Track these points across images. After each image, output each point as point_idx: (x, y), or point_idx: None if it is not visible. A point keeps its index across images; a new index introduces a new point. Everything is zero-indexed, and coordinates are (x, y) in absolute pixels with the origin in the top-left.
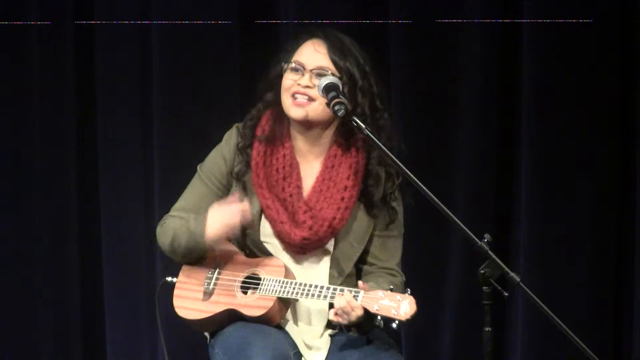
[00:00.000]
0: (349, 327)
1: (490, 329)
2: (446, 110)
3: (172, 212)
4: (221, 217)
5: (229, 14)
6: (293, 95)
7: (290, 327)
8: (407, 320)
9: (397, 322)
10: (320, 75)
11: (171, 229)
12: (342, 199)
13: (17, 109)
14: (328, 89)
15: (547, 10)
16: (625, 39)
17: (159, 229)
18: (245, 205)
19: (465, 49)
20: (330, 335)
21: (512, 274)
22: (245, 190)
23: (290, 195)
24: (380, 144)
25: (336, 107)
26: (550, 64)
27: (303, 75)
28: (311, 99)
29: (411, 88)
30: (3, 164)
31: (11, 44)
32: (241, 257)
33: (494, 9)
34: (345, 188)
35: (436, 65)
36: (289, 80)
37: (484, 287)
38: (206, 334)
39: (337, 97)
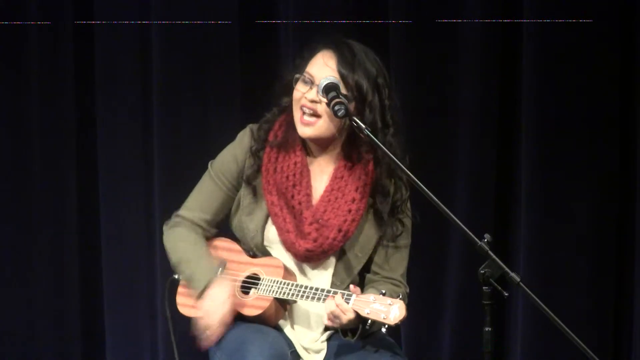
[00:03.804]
0: (345, 331)
1: (490, 329)
2: (446, 110)
3: (182, 211)
4: (215, 306)
5: (229, 14)
6: (301, 109)
7: (289, 330)
8: (396, 324)
9: (386, 326)
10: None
11: (175, 241)
12: (350, 211)
13: (17, 109)
14: (328, 89)
15: (547, 10)
16: (625, 39)
17: (166, 230)
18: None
19: (465, 49)
20: (327, 339)
21: (512, 274)
22: (254, 195)
23: (300, 203)
24: (379, 143)
25: (336, 107)
26: (550, 64)
27: (311, 88)
28: (317, 115)
29: (411, 88)
30: (3, 163)
31: (11, 44)
32: (243, 256)
33: (494, 9)
34: (353, 200)
35: (436, 65)
36: (298, 92)
37: (484, 287)
38: None
39: (337, 97)
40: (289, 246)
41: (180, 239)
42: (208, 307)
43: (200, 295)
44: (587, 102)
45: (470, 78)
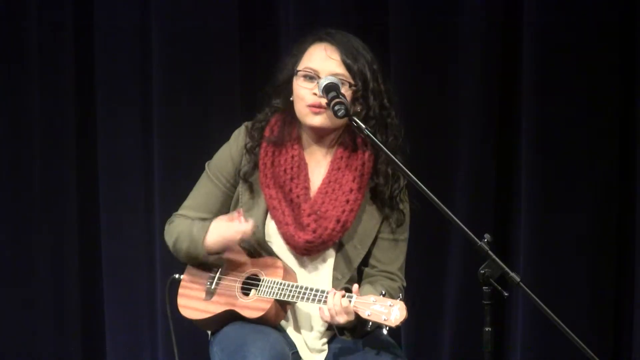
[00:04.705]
0: (342, 331)
1: (490, 329)
2: (446, 110)
3: (181, 211)
4: (222, 231)
5: (229, 14)
6: (309, 106)
7: (291, 331)
8: (397, 326)
9: (387, 328)
10: None
11: (176, 230)
12: (347, 201)
13: (17, 109)
14: (328, 89)
15: (547, 9)
16: (625, 39)
17: (166, 227)
18: (247, 226)
19: (465, 49)
20: (328, 342)
21: (512, 274)
22: (252, 191)
23: (298, 196)
24: (379, 143)
25: (336, 107)
26: (551, 64)
27: (317, 83)
28: (324, 107)
29: (411, 88)
30: (3, 164)
31: (11, 44)
32: (244, 257)
33: (494, 9)
34: (351, 190)
35: (436, 65)
36: (303, 89)
37: (484, 287)
38: (208, 331)
39: (337, 97)
40: (288, 239)
41: (175, 227)
42: (218, 233)
43: (202, 245)
44: (587, 102)
45: (470, 77)
